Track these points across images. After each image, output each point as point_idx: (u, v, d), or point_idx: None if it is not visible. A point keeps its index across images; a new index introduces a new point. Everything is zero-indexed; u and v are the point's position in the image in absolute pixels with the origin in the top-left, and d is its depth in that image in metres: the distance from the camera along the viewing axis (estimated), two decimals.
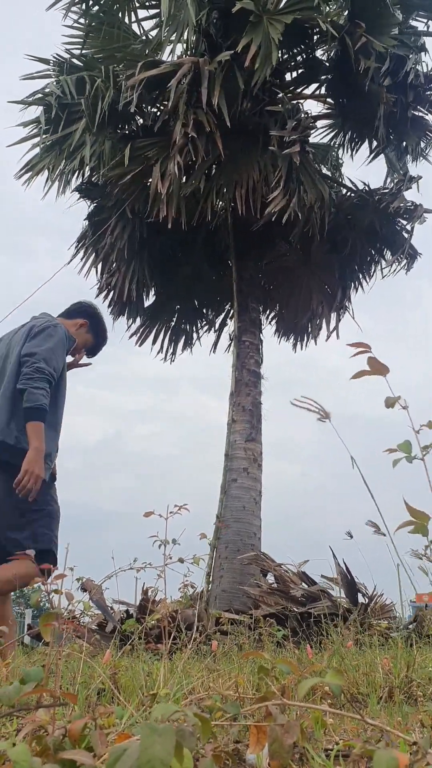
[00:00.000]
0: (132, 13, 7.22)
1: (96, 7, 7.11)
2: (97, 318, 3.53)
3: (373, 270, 8.00)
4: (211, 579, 6.16)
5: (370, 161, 7.68)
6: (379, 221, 7.11)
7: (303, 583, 5.82)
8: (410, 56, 6.36)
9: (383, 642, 3.59)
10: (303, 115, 6.38)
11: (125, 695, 1.87)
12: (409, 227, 7.15)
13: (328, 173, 8.09)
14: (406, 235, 7.25)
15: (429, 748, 0.94)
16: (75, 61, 7.16)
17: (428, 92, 6.64)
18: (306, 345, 8.67)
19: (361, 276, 8.13)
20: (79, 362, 3.46)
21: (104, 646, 4.15)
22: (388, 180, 7.97)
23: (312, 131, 6.71)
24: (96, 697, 1.81)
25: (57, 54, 7.13)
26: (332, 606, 5.05)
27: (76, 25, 7.14)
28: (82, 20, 7.12)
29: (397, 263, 7.36)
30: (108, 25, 7.06)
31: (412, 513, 1.08)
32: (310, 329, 8.57)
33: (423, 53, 6.74)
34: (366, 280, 8.12)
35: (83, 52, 7.27)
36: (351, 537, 3.95)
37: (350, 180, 7.76)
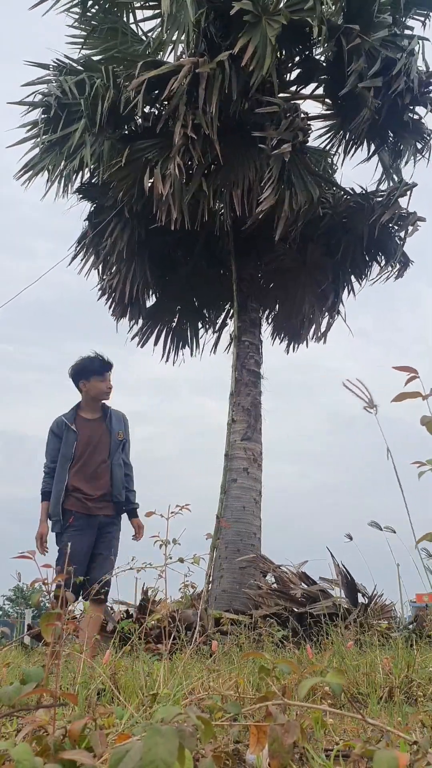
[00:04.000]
0: (131, 13, 7.20)
1: (95, 8, 7.09)
2: (78, 369, 4.22)
3: (366, 275, 7.94)
4: (211, 579, 6.15)
5: (376, 165, 7.63)
6: (372, 226, 7.07)
7: (303, 584, 5.82)
8: (405, 57, 6.31)
9: (383, 642, 3.59)
10: (296, 116, 6.33)
11: (125, 695, 1.87)
12: (401, 234, 7.11)
13: (324, 175, 8.04)
14: (399, 242, 7.22)
15: (429, 748, 0.94)
16: (75, 65, 7.14)
17: (424, 94, 6.60)
18: (297, 347, 8.61)
19: (354, 280, 8.07)
20: (108, 387, 4.25)
21: (104, 646, 4.14)
22: (384, 184, 7.90)
23: (307, 131, 6.62)
24: (96, 697, 1.81)
25: (57, 59, 7.09)
26: (332, 606, 5.05)
27: (75, 26, 7.12)
28: (80, 21, 7.10)
29: (390, 268, 7.32)
30: (108, 25, 7.04)
31: None
32: (302, 331, 8.50)
33: (419, 55, 6.66)
34: (359, 284, 8.07)
35: (83, 53, 7.24)
36: (351, 539, 3.96)
37: (348, 188, 7.68)
